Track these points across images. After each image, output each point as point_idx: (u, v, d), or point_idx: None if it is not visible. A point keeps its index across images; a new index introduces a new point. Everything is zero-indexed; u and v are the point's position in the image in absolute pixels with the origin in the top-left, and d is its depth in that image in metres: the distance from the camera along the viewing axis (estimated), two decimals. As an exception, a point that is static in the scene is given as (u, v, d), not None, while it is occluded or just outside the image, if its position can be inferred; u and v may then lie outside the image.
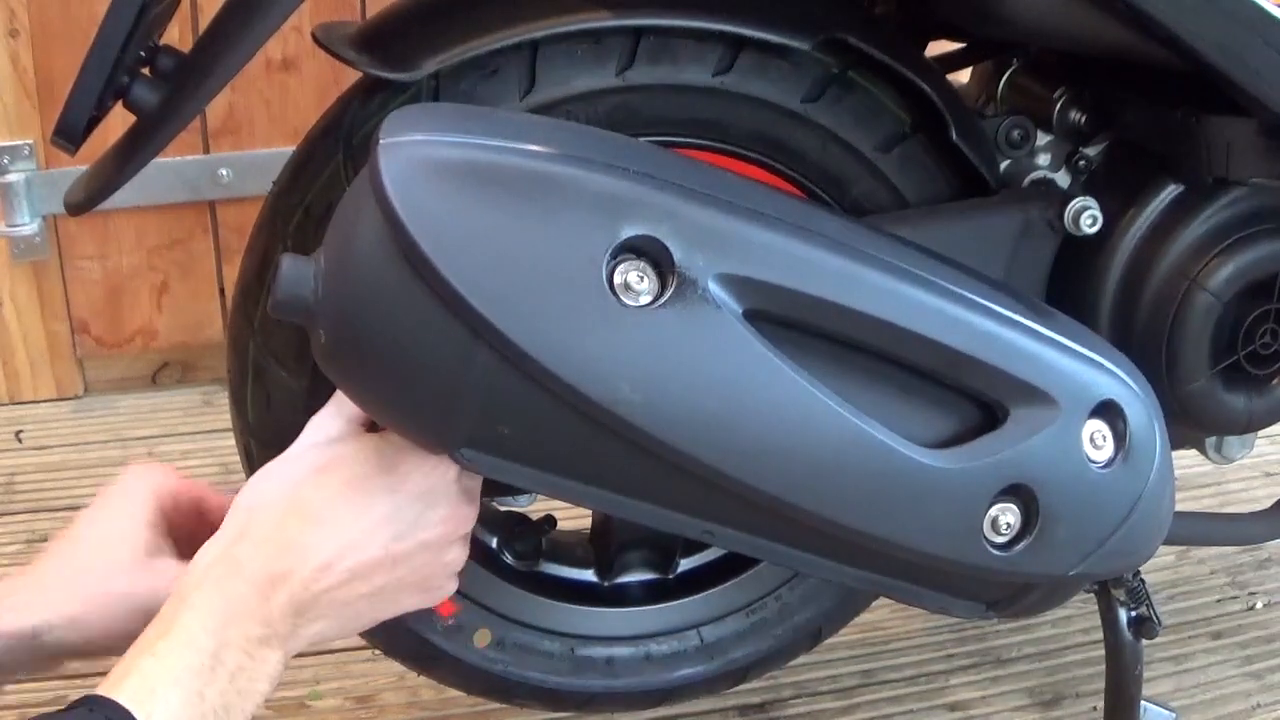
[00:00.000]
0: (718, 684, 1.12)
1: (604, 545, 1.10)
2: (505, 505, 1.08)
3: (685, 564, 1.12)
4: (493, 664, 1.05)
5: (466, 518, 0.82)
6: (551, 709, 1.12)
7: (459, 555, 0.82)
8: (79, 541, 0.83)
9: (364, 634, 1.02)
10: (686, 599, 1.11)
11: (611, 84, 0.90)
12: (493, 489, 1.02)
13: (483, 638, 1.04)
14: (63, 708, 0.68)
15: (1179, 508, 0.93)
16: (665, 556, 1.11)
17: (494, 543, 1.07)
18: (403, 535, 0.78)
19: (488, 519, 1.08)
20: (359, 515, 0.77)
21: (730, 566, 1.11)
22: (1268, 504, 1.20)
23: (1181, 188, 1.01)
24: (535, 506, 1.07)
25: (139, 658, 0.70)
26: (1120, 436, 0.85)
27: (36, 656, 0.81)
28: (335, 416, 0.81)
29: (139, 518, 0.83)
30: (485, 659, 1.05)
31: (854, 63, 0.93)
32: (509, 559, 1.08)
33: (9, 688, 1.29)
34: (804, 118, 0.94)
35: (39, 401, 1.87)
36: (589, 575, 1.11)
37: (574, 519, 1.15)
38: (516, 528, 1.08)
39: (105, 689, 0.69)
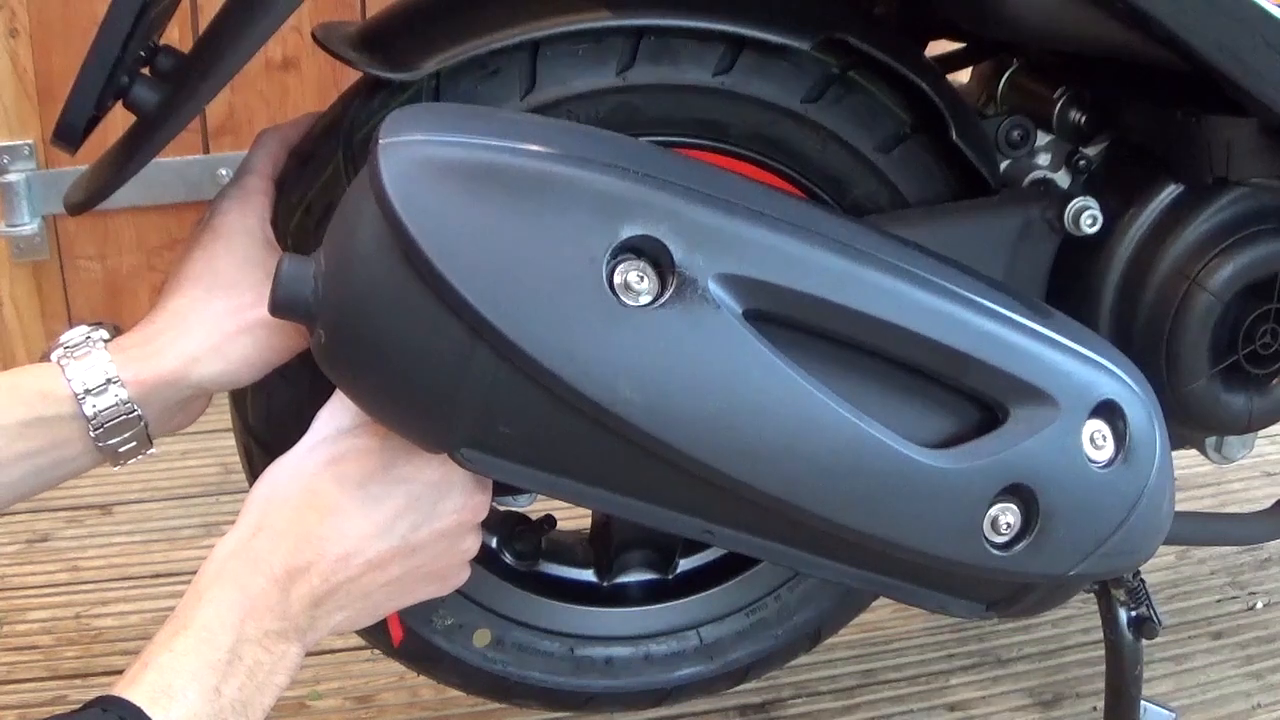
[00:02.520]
0: (717, 684, 1.12)
1: (603, 545, 1.10)
2: (505, 505, 1.08)
3: (685, 564, 1.12)
4: (492, 664, 1.05)
5: (480, 506, 0.83)
6: (551, 709, 1.13)
7: (473, 543, 0.83)
8: (204, 274, 0.84)
9: (364, 634, 1.02)
10: (686, 599, 1.11)
11: (612, 84, 0.90)
12: (493, 489, 1.02)
13: (482, 637, 1.04)
14: (75, 709, 0.68)
15: (1179, 508, 0.93)
16: (665, 557, 1.11)
17: (494, 542, 1.07)
18: (419, 525, 0.79)
19: (487, 519, 1.08)
20: (376, 506, 0.78)
21: (730, 567, 1.11)
22: (1268, 504, 1.20)
23: (1181, 188, 1.01)
24: (535, 506, 1.07)
25: (156, 654, 0.71)
26: (1120, 436, 0.85)
27: (185, 396, 0.83)
28: (344, 409, 0.81)
29: (257, 239, 0.86)
30: (485, 659, 1.05)
31: (854, 63, 0.93)
32: (509, 559, 1.08)
33: (9, 688, 1.29)
34: (804, 118, 0.94)
35: (39, 401, 1.87)
36: (588, 575, 1.11)
37: (574, 519, 1.15)
38: (516, 528, 1.08)
39: (121, 687, 0.69)
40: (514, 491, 1.02)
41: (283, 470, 0.80)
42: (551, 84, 0.89)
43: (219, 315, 0.83)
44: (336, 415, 0.81)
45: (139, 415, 0.81)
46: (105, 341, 0.82)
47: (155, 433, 0.83)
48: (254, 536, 0.76)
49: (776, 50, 0.91)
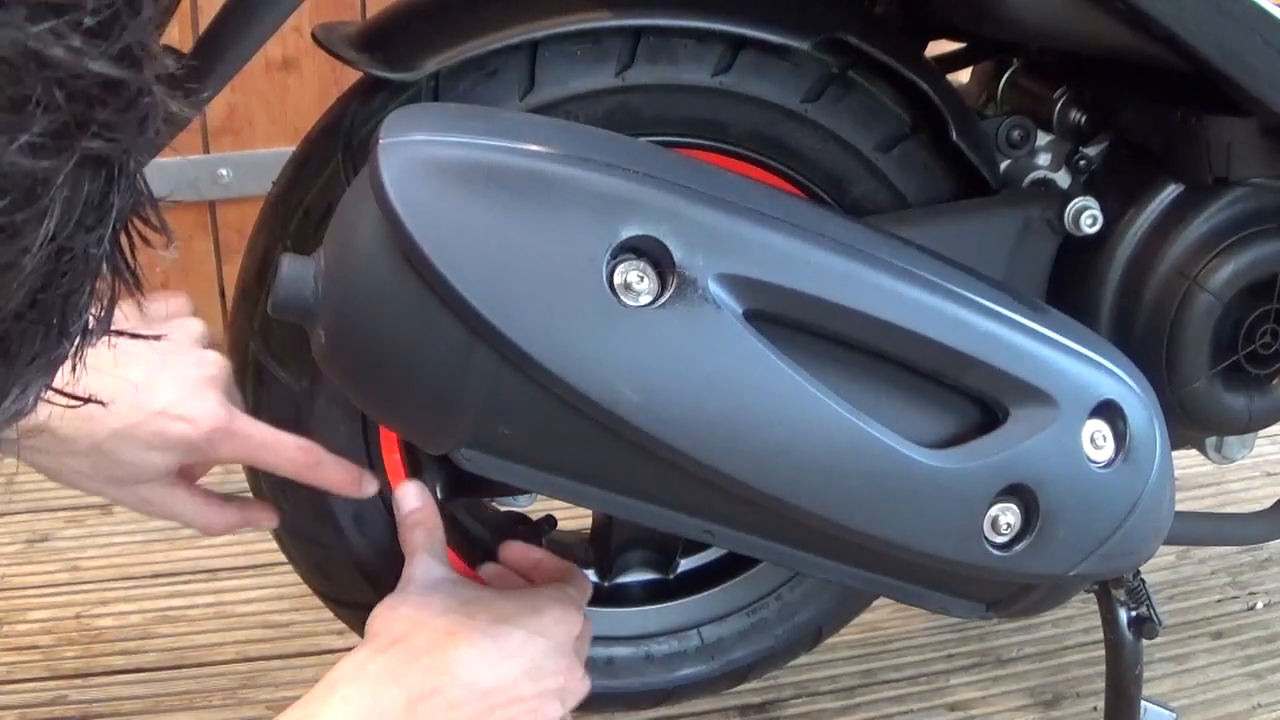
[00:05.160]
0: (718, 684, 1.12)
1: (604, 545, 1.10)
2: (505, 505, 1.08)
3: (685, 564, 1.12)
4: (493, 664, 1.05)
5: (581, 682, 0.88)
6: (551, 709, 1.12)
7: (557, 711, 0.86)
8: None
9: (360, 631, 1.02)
10: (687, 599, 1.11)
11: (611, 84, 0.90)
12: (493, 489, 1.02)
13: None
14: None
15: (1179, 508, 0.93)
16: (666, 556, 1.11)
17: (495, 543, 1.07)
18: (532, 678, 0.84)
19: (487, 519, 1.08)
20: (507, 650, 0.83)
21: (731, 566, 1.11)
22: (1268, 504, 1.20)
23: (1181, 188, 1.01)
24: (535, 506, 1.07)
25: None
26: (1120, 436, 0.85)
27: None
28: (439, 563, 0.88)
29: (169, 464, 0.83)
30: (485, 659, 1.04)
31: (854, 62, 0.93)
32: (509, 559, 1.08)
33: (9, 688, 1.29)
34: (804, 117, 0.94)
35: (39, 401, 1.86)
36: (589, 575, 1.10)
37: (574, 519, 1.15)
38: (517, 528, 1.08)
39: None
40: (514, 491, 1.02)
41: (411, 603, 0.84)
42: (550, 85, 0.89)
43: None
44: (433, 567, 0.88)
45: None
46: None
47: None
48: (397, 647, 0.79)
49: (776, 50, 0.91)
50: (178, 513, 0.87)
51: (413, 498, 0.94)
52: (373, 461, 0.97)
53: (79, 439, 0.80)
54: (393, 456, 0.98)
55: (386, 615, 0.83)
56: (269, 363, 0.93)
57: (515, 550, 0.98)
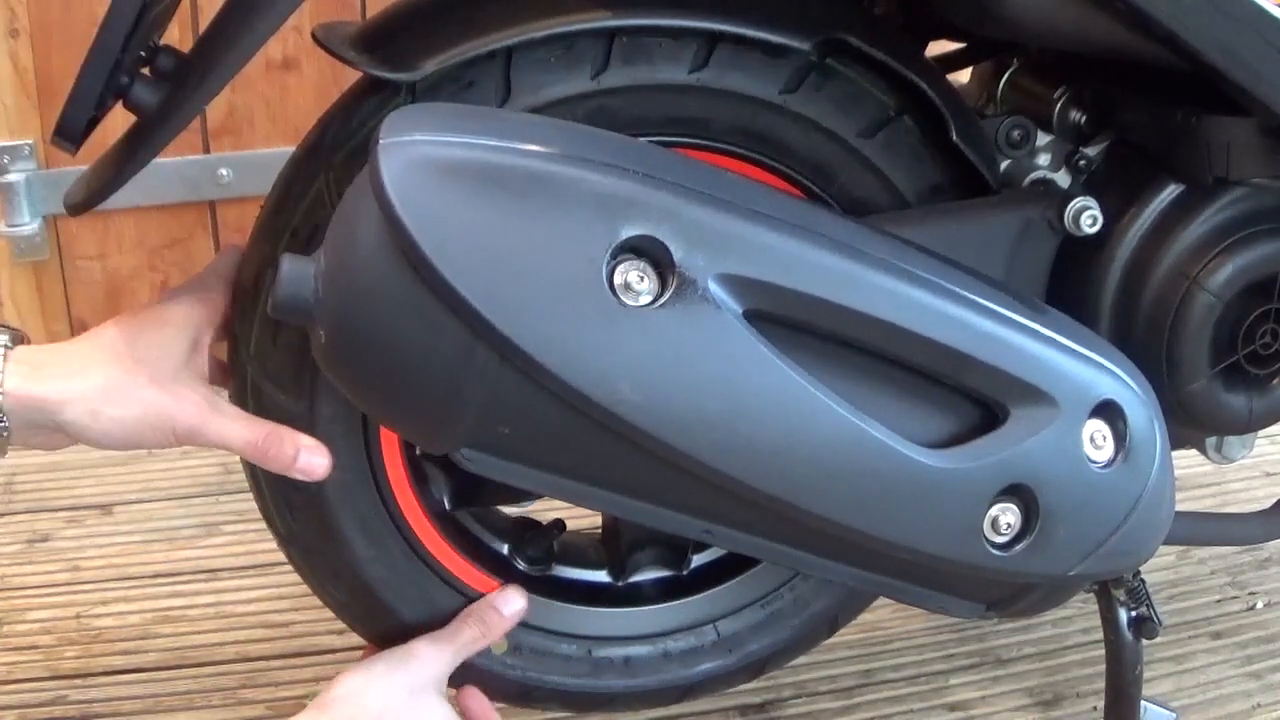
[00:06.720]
0: (736, 677, 1.12)
1: (616, 545, 1.10)
2: (509, 509, 1.08)
3: (698, 560, 1.11)
4: (511, 670, 1.04)
5: None
6: (574, 711, 1.12)
7: None
8: (122, 341, 0.86)
9: (376, 643, 1.02)
10: (701, 595, 1.10)
11: (588, 88, 0.89)
12: (499, 497, 1.02)
13: (500, 645, 1.03)
14: None
15: (1179, 508, 0.93)
16: (678, 554, 1.10)
17: (505, 549, 1.07)
18: None
19: (497, 524, 1.08)
20: None
21: (743, 560, 1.11)
22: (1268, 504, 1.20)
23: (1181, 188, 1.01)
24: (537, 507, 1.07)
25: None
26: (1120, 436, 0.85)
27: (48, 426, 0.85)
28: (442, 662, 0.95)
29: (186, 339, 0.88)
30: (504, 665, 1.04)
31: (830, 51, 0.92)
32: (521, 564, 1.07)
33: (9, 688, 1.29)
34: (784, 109, 0.93)
35: (39, 401, 1.86)
36: (602, 576, 1.10)
37: (581, 519, 1.15)
38: (527, 533, 1.08)
39: None
40: (521, 498, 1.02)
41: (379, 686, 0.91)
42: (526, 92, 0.88)
43: (108, 380, 0.84)
44: (434, 668, 0.94)
45: (4, 423, 0.83)
46: (6, 348, 0.84)
47: (14, 442, 0.85)
48: None
49: (750, 43, 0.91)
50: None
51: (508, 603, 0.99)
52: (375, 476, 0.96)
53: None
54: (396, 470, 0.97)
55: (357, 691, 0.89)
56: (265, 385, 0.93)
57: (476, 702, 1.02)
